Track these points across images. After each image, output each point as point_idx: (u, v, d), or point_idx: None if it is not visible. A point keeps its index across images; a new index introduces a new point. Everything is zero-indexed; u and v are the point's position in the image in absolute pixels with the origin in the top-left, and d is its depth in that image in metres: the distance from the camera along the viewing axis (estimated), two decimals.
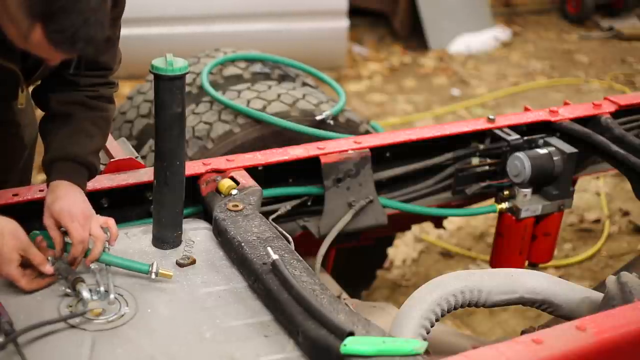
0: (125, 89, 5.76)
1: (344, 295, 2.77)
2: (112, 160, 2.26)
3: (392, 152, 2.60)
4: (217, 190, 2.18)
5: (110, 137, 2.47)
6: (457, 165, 2.68)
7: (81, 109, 2.02)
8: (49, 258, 1.78)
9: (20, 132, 2.30)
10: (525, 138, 2.70)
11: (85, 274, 1.80)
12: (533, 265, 2.86)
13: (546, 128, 2.81)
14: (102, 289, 1.78)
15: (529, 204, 2.68)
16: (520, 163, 2.62)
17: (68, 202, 1.83)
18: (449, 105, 6.10)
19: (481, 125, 2.72)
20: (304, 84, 3.09)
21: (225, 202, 2.10)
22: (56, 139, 1.95)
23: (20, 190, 2.06)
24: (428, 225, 3.98)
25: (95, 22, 1.57)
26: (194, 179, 2.23)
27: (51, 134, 1.98)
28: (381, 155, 2.56)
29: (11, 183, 2.28)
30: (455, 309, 1.99)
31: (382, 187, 2.59)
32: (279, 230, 2.03)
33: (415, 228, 3.93)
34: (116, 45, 2.06)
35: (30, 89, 2.08)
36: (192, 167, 2.25)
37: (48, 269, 1.77)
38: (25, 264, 1.76)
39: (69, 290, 1.76)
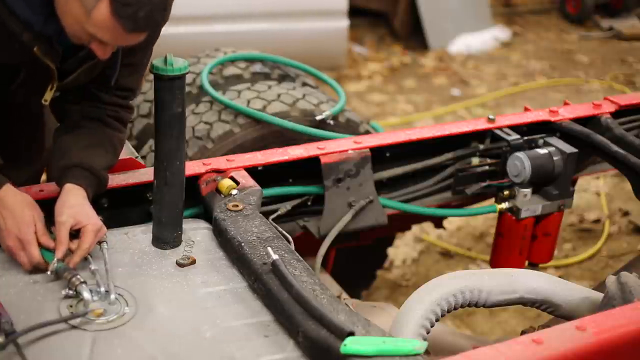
0: None
1: (344, 295, 2.77)
2: None
3: (392, 152, 2.59)
4: (217, 190, 2.18)
5: None
6: (457, 165, 2.68)
7: (100, 125, 2.05)
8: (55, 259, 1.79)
9: (43, 134, 2.33)
10: (525, 138, 2.69)
11: (85, 275, 1.80)
12: (533, 265, 2.86)
13: (546, 128, 2.81)
14: (102, 289, 1.78)
15: (529, 204, 2.68)
16: (520, 163, 2.62)
17: (85, 208, 1.87)
18: (449, 105, 6.10)
19: (481, 125, 2.72)
20: (304, 84, 3.09)
21: (225, 202, 2.10)
22: (74, 148, 1.97)
23: (20, 190, 2.05)
24: (428, 225, 3.98)
25: (159, 6, 1.66)
26: (194, 179, 2.23)
27: (69, 143, 1.99)
28: (381, 155, 2.56)
29: (20, 180, 2.29)
30: (455, 309, 1.99)
31: (382, 187, 2.59)
32: (279, 230, 2.03)
33: (415, 228, 3.93)
34: (143, 70, 2.10)
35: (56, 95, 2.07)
36: (192, 167, 2.25)
37: (48, 241, 1.80)
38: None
39: (70, 292, 1.76)
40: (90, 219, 1.85)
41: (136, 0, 1.61)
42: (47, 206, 1.88)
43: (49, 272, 1.78)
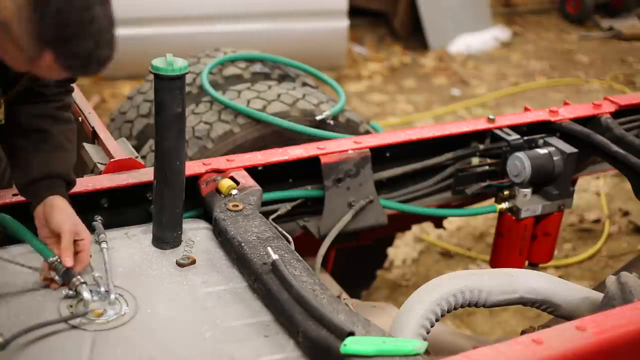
0: (125, 89, 5.78)
1: (344, 295, 2.77)
2: (112, 160, 2.26)
3: (392, 152, 2.59)
4: (217, 190, 2.18)
5: (110, 137, 2.47)
6: (457, 165, 2.68)
7: (53, 122, 1.99)
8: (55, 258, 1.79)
9: None
10: (525, 138, 2.70)
11: (85, 275, 1.80)
12: (533, 265, 2.86)
13: (546, 128, 2.81)
14: (102, 289, 1.78)
15: (529, 204, 2.68)
16: (520, 163, 2.62)
17: (80, 222, 1.86)
18: (449, 105, 6.10)
19: (481, 125, 2.72)
20: (304, 84, 3.09)
21: (225, 202, 2.10)
22: (38, 157, 1.93)
23: None
24: (428, 225, 3.98)
25: (106, 43, 1.54)
26: (194, 179, 2.23)
27: (29, 151, 1.94)
28: (381, 155, 2.56)
29: None
30: (455, 309, 1.99)
31: (382, 187, 2.59)
32: (279, 230, 2.03)
33: (415, 228, 3.93)
34: None
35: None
36: (192, 167, 2.25)
37: None
38: None
39: (70, 292, 1.76)
40: (86, 233, 1.85)
41: (82, 49, 1.50)
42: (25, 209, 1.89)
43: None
